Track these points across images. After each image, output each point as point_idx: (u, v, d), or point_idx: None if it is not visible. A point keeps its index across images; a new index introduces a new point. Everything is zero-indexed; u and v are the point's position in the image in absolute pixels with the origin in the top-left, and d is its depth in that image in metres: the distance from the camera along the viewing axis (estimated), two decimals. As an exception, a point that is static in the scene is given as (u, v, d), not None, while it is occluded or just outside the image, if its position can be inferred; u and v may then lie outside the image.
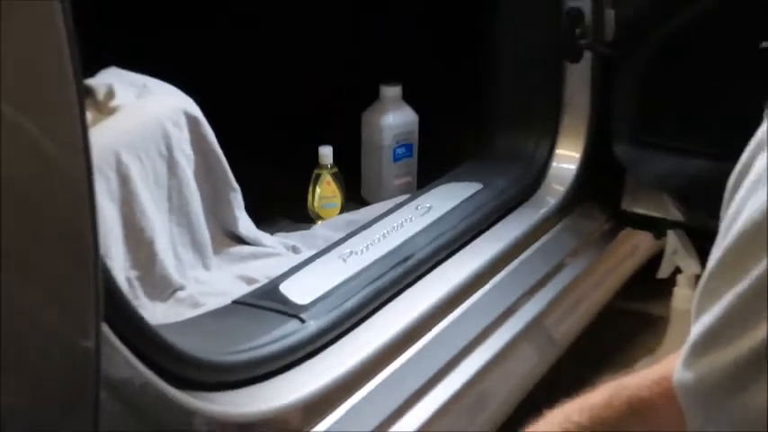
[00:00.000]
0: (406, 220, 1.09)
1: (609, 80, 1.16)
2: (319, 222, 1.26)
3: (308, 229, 1.22)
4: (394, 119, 1.30)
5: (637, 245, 1.31)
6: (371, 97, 1.32)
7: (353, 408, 0.85)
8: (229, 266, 1.12)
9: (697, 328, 0.45)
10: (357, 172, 1.35)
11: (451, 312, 1.00)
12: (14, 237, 0.47)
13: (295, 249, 1.15)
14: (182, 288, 1.06)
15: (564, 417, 0.62)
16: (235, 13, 1.53)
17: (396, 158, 1.32)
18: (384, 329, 0.92)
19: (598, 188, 1.25)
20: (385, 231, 1.07)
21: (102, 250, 0.58)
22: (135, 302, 0.85)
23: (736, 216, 0.46)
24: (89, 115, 0.77)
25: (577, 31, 1.12)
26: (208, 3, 1.51)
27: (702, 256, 1.30)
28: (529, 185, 1.19)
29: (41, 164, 0.49)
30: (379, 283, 0.94)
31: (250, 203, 1.15)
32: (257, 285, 0.99)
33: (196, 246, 1.11)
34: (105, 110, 1.06)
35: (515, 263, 1.10)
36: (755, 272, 0.39)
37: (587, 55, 1.15)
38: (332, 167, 1.26)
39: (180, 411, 0.68)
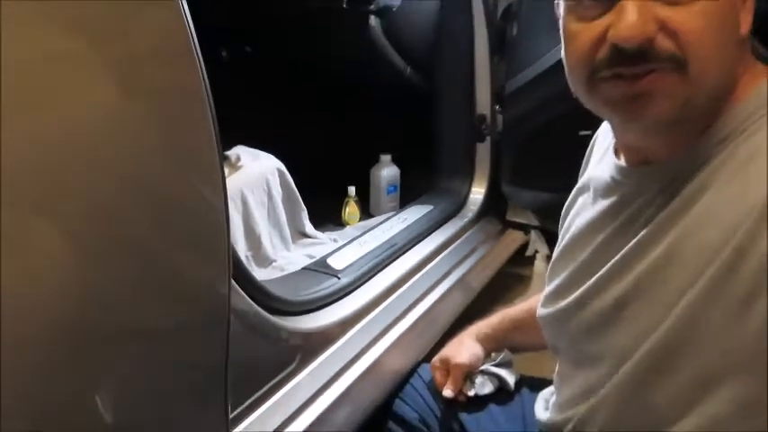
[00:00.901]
0: (393, 225, 1.46)
1: (499, 152, 1.58)
2: (348, 226, 1.71)
3: (342, 229, 1.68)
4: (387, 173, 1.81)
5: (515, 238, 1.72)
6: (375, 161, 1.84)
7: (365, 326, 1.12)
8: (300, 249, 1.54)
9: (548, 288, 0.68)
10: (367, 200, 1.81)
11: (417, 274, 1.33)
12: (187, 234, 0.62)
13: (335, 240, 1.56)
14: (275, 261, 1.47)
15: (477, 329, 0.95)
16: (303, 115, 1.99)
17: (388, 193, 1.81)
18: (381, 283, 1.21)
19: (494, 208, 1.66)
20: (382, 231, 1.42)
21: (232, 241, 0.69)
22: (249, 268, 0.99)
23: (567, 228, 0.68)
24: (226, 171, 0.82)
25: (482, 125, 1.58)
26: (287, 105, 1.97)
27: (549, 244, 1.63)
28: (458, 207, 1.61)
29: (203, 197, 0.64)
30: (378, 258, 1.25)
31: (311, 216, 1.60)
32: (315, 259, 1.29)
33: (283, 238, 1.54)
34: (235, 167, 1.48)
35: (450, 248, 1.49)
36: (580, 258, 0.63)
37: (488, 139, 1.60)
38: (354, 197, 1.73)
39: (273, 327, 0.87)
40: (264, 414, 0.87)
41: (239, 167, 1.49)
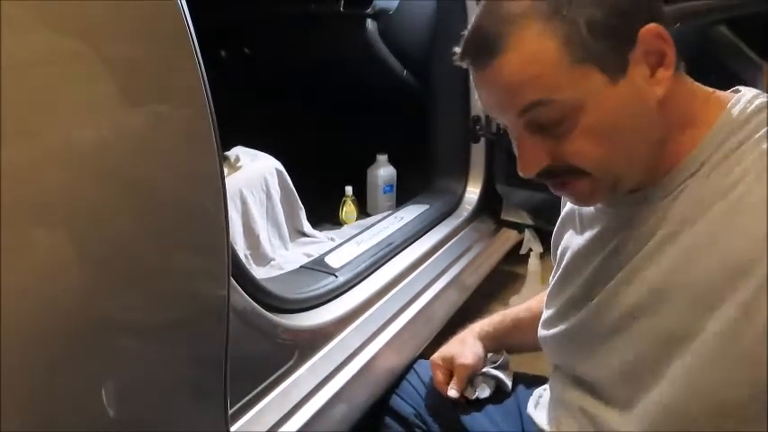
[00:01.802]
0: (389, 224, 1.46)
1: (493, 152, 1.61)
2: (345, 225, 1.73)
3: (340, 228, 1.70)
4: (384, 172, 1.83)
5: (509, 236, 1.74)
6: (372, 161, 1.85)
7: (362, 323, 1.12)
8: (298, 248, 1.56)
9: (546, 312, 0.71)
10: (365, 199, 1.84)
11: (413, 272, 1.34)
12: (187, 233, 0.63)
13: (333, 239, 1.59)
14: (273, 259, 1.48)
15: (479, 327, 0.94)
16: (301, 116, 2.02)
17: (384, 192, 1.83)
18: (378, 281, 1.22)
19: (489, 207, 1.67)
20: (379, 230, 1.43)
21: (231, 239, 0.69)
22: (248, 267, 1.04)
23: (561, 257, 0.70)
24: (225, 170, 0.87)
25: (477, 126, 1.59)
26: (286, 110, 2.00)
27: (543, 242, 1.67)
28: (453, 206, 1.62)
29: (203, 197, 0.65)
30: (375, 257, 1.26)
31: (310, 215, 1.62)
32: (313, 258, 1.30)
33: (281, 237, 1.55)
34: (234, 167, 1.49)
35: (446, 246, 1.50)
36: (576, 284, 0.65)
37: (483, 140, 1.62)
38: (352, 197, 1.76)
39: (272, 325, 0.88)
40: (263, 410, 0.88)
41: (238, 167, 1.50)
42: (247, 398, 0.84)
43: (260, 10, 1.71)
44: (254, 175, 1.52)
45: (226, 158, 1.50)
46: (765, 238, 0.48)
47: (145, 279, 0.60)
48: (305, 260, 1.33)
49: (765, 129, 0.53)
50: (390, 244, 1.35)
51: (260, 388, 0.87)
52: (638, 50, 0.54)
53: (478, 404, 0.91)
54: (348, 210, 1.76)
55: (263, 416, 0.87)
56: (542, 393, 0.80)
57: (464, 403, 0.91)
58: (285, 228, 1.57)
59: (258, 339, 0.86)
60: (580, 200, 0.60)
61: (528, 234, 1.70)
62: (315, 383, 0.98)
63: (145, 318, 0.61)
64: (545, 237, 1.57)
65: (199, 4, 0.75)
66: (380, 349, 1.13)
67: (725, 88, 0.61)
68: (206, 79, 0.64)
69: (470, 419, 0.90)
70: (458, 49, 0.58)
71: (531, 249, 1.70)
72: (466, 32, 0.58)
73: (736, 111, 0.56)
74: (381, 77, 1.71)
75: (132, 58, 0.56)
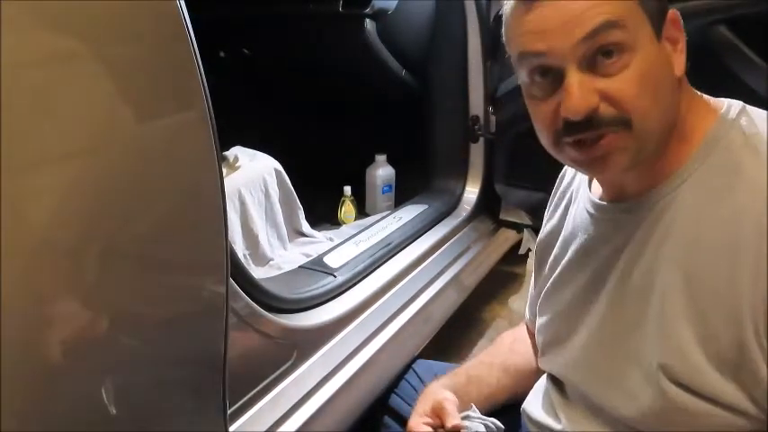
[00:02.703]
0: (388, 224, 1.47)
1: (492, 152, 1.61)
2: (344, 225, 1.74)
3: (338, 228, 1.71)
4: (382, 172, 1.84)
5: (508, 236, 1.74)
6: (370, 161, 1.86)
7: (360, 323, 1.13)
8: (297, 248, 1.57)
9: (540, 321, 0.74)
10: (363, 199, 1.84)
11: (412, 272, 1.35)
12: (186, 233, 0.64)
13: (331, 239, 1.60)
14: (272, 259, 1.49)
15: (439, 382, 0.84)
16: (300, 116, 2.04)
17: (383, 192, 1.84)
18: (376, 281, 1.23)
19: (488, 207, 1.68)
20: (377, 230, 1.45)
21: (230, 240, 0.69)
22: (247, 267, 1.04)
23: (553, 265, 0.71)
24: (224, 171, 0.96)
25: (476, 126, 1.60)
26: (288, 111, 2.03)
27: None
28: (452, 206, 1.63)
29: (202, 196, 0.65)
30: (374, 257, 1.27)
31: (308, 215, 1.63)
32: (312, 258, 1.31)
33: (280, 237, 1.56)
34: (233, 167, 1.49)
35: (444, 247, 1.50)
36: (569, 296, 0.68)
37: (482, 140, 1.62)
38: (350, 197, 1.76)
39: (270, 325, 0.89)
40: (262, 409, 0.88)
41: (237, 167, 1.50)
42: (246, 398, 0.85)
43: (259, 10, 1.72)
44: (253, 175, 1.52)
45: (224, 158, 1.50)
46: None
47: (143, 279, 0.60)
48: (304, 260, 1.33)
49: (747, 141, 0.57)
50: (389, 244, 1.35)
51: (259, 388, 0.87)
52: (665, 27, 0.58)
53: None
54: (347, 210, 1.77)
55: (261, 416, 0.87)
56: (541, 389, 0.79)
57: None
58: (284, 228, 1.58)
59: (257, 339, 0.86)
60: (608, 159, 0.58)
61: (527, 234, 1.70)
62: (314, 383, 0.98)
63: (143, 317, 0.61)
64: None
65: (198, 4, 0.75)
66: (379, 349, 1.13)
67: (725, 89, 0.63)
68: (205, 79, 0.64)
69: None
70: None
71: (529, 249, 1.70)
72: None
73: (723, 125, 0.59)
74: (380, 77, 1.72)
75: (131, 59, 0.57)
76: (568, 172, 0.78)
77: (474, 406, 0.79)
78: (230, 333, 0.71)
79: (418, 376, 1.02)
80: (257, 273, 1.34)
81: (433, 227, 1.54)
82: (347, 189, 1.77)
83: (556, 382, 0.74)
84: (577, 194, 0.73)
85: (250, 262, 1.46)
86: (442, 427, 0.77)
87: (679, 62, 0.59)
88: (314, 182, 1.72)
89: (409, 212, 1.56)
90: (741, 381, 0.55)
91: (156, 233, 0.61)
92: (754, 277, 0.53)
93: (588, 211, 0.68)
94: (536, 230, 1.54)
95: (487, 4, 1.57)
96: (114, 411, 0.58)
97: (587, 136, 0.57)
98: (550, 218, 0.78)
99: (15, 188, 0.47)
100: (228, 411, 0.75)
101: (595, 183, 0.70)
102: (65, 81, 0.51)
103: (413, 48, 1.69)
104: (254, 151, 1.58)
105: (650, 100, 0.56)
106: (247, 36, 1.86)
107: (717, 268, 0.55)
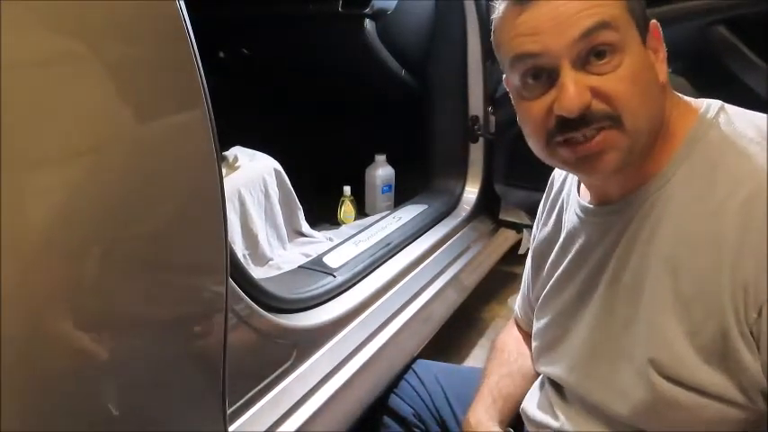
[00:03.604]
0: (388, 224, 1.49)
1: (491, 152, 1.62)
2: (343, 225, 1.75)
3: (338, 228, 1.72)
4: (382, 172, 1.84)
5: (507, 236, 1.76)
6: (370, 161, 1.86)
7: (360, 323, 1.14)
8: (297, 248, 1.57)
9: (538, 325, 0.75)
10: (363, 199, 1.85)
11: (411, 272, 1.35)
12: (186, 233, 0.64)
13: (331, 239, 1.60)
14: (272, 259, 1.49)
15: (507, 348, 0.88)
16: (300, 116, 2.04)
17: (383, 192, 1.84)
18: (376, 281, 1.23)
19: (487, 207, 1.69)
20: (377, 230, 1.46)
21: (230, 240, 0.70)
22: (247, 267, 1.03)
23: (551, 269, 0.73)
24: (224, 170, 1.00)
25: (475, 126, 1.61)
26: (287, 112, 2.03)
27: None
28: (452, 206, 1.64)
29: (201, 197, 0.65)
30: (373, 257, 1.28)
31: (308, 215, 1.63)
32: (311, 258, 1.31)
33: (280, 237, 1.56)
34: (232, 168, 1.50)
35: (444, 246, 1.51)
36: (566, 298, 0.70)
37: (481, 140, 1.64)
38: (350, 197, 1.77)
39: (268, 324, 0.88)
40: (262, 409, 0.88)
41: (237, 167, 1.50)
42: (246, 398, 0.85)
43: (259, 10, 1.72)
44: (253, 175, 1.52)
45: (224, 158, 1.50)
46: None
47: (142, 279, 0.60)
48: (303, 260, 1.34)
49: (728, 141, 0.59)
50: (389, 244, 1.36)
51: (258, 388, 0.87)
52: (648, 36, 0.60)
53: None
54: (346, 210, 1.77)
55: (261, 416, 0.87)
56: (539, 385, 0.80)
57: None
58: (283, 228, 1.58)
59: (256, 339, 0.86)
60: (599, 157, 0.59)
61: (526, 234, 1.71)
62: (313, 383, 0.98)
63: (143, 317, 0.61)
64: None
65: (197, 4, 0.75)
66: (379, 349, 1.13)
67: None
68: (204, 79, 0.64)
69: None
70: None
71: (529, 249, 1.68)
72: None
73: (703, 125, 0.61)
74: (380, 77, 1.72)
75: (131, 59, 0.57)
76: (557, 178, 0.79)
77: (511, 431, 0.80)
78: (230, 333, 0.71)
79: (418, 376, 1.02)
80: (257, 273, 1.34)
81: (432, 227, 1.54)
82: (347, 189, 1.77)
83: (553, 381, 0.75)
84: (568, 200, 0.74)
85: (249, 262, 1.46)
86: None
87: (662, 70, 0.61)
88: (313, 182, 1.74)
89: (409, 212, 1.57)
90: (728, 370, 0.56)
91: (155, 233, 0.61)
92: (734, 267, 0.54)
93: (578, 216, 0.70)
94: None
95: (487, 5, 1.58)
96: (114, 411, 0.58)
97: (580, 134, 0.58)
98: (544, 224, 0.79)
99: (15, 188, 0.47)
100: (228, 411, 0.75)
101: (584, 187, 0.71)
102: (64, 81, 0.51)
103: (412, 48, 1.69)
104: (254, 151, 1.58)
105: (640, 99, 0.57)
106: (247, 36, 1.86)
107: (700, 261, 0.56)
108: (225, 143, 1.08)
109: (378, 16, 1.61)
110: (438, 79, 1.66)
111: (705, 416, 0.58)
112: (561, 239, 0.73)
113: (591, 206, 0.68)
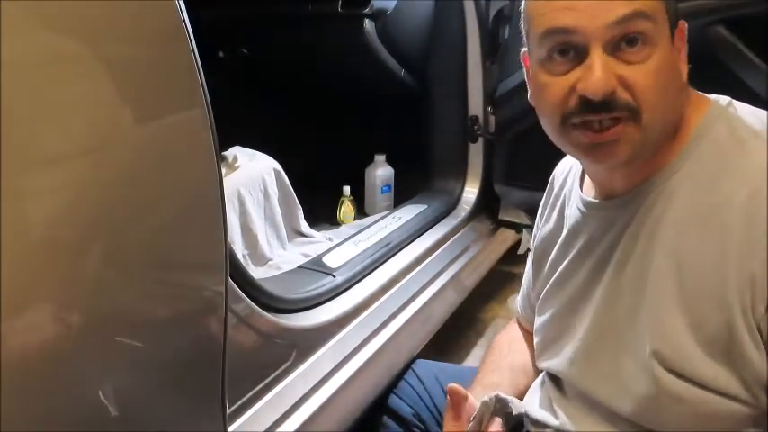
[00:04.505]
0: (387, 224, 1.49)
1: (491, 152, 1.62)
2: (343, 225, 1.75)
3: (337, 228, 1.72)
4: (381, 172, 1.85)
5: (507, 236, 1.76)
6: (369, 161, 1.87)
7: (360, 323, 1.14)
8: (296, 248, 1.57)
9: (539, 320, 0.75)
10: (362, 199, 1.85)
11: (411, 272, 1.36)
12: (185, 233, 0.64)
13: (330, 239, 1.60)
14: (271, 259, 1.49)
15: (500, 346, 0.89)
16: (299, 116, 2.05)
17: (382, 192, 1.85)
18: (376, 281, 1.24)
19: (487, 207, 1.70)
20: (376, 230, 1.46)
21: (229, 240, 0.70)
22: (246, 267, 1.06)
23: (553, 266, 0.73)
24: (223, 170, 0.97)
25: (475, 126, 1.61)
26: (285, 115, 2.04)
27: None
28: (451, 206, 1.64)
29: (201, 196, 0.66)
30: (373, 257, 1.28)
31: (307, 215, 1.64)
32: (311, 258, 1.32)
33: (279, 237, 1.57)
34: (232, 167, 1.51)
35: (443, 246, 1.51)
36: (567, 294, 0.70)
37: (481, 140, 1.64)
38: (350, 197, 1.78)
39: (268, 324, 0.88)
40: (261, 409, 0.88)
41: (236, 167, 1.51)
42: (245, 398, 0.85)
43: (258, 10, 1.72)
44: (253, 175, 1.52)
45: (224, 158, 1.50)
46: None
47: (142, 279, 0.61)
48: (303, 260, 1.34)
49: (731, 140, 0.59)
50: (388, 244, 1.36)
51: (258, 388, 0.87)
52: (675, 35, 0.60)
53: None
54: (346, 210, 1.77)
55: (260, 416, 0.87)
56: (540, 385, 0.80)
57: None
58: (283, 228, 1.58)
59: (256, 339, 0.86)
60: (611, 147, 0.59)
61: (526, 234, 1.71)
62: (313, 383, 0.98)
63: (142, 317, 0.61)
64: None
65: (197, 4, 0.75)
66: (378, 349, 1.13)
67: (724, 89, 0.64)
68: (204, 79, 0.64)
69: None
70: None
71: (528, 249, 1.62)
72: None
73: (710, 119, 0.61)
74: (379, 77, 1.72)
75: (130, 59, 0.57)
76: (558, 176, 0.79)
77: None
78: (229, 333, 0.71)
79: (417, 376, 1.02)
80: (256, 273, 1.34)
81: (432, 227, 1.54)
82: (346, 189, 1.77)
83: (554, 378, 0.75)
84: (570, 197, 0.74)
85: (249, 262, 1.46)
86: None
87: (684, 70, 0.61)
88: (313, 182, 1.73)
89: (408, 212, 1.57)
90: (731, 364, 0.56)
91: (154, 233, 0.61)
92: (740, 259, 0.54)
93: (581, 211, 0.70)
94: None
95: (486, 5, 1.58)
96: (113, 411, 0.58)
97: (599, 117, 0.57)
98: (546, 221, 0.79)
99: (14, 188, 0.47)
100: (228, 411, 0.75)
101: (587, 183, 0.71)
102: (63, 81, 0.51)
103: (412, 48, 1.70)
104: (254, 151, 1.58)
105: (662, 96, 0.57)
106: (247, 36, 1.87)
107: (705, 254, 0.56)
108: (224, 143, 1.07)
109: (377, 16, 1.62)
110: (437, 79, 1.67)
111: (707, 410, 0.58)
112: (563, 236, 0.73)
113: (595, 201, 0.68)
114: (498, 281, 1.85)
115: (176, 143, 0.62)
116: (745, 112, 0.61)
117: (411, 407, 0.98)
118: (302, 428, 0.93)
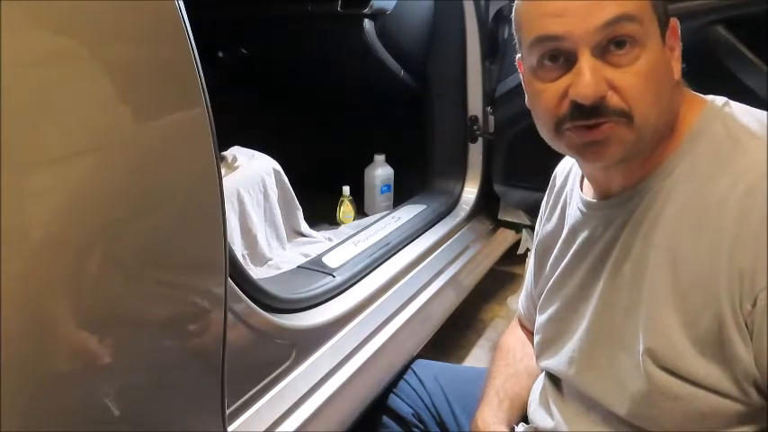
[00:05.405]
0: (387, 224, 1.49)
1: (490, 152, 1.63)
2: (343, 225, 1.74)
3: (337, 228, 1.71)
4: (381, 172, 1.84)
5: (506, 236, 1.77)
6: (369, 161, 1.86)
7: (359, 323, 1.14)
8: (296, 248, 1.56)
9: (540, 319, 0.76)
10: (362, 199, 1.85)
11: (410, 272, 1.36)
12: (185, 233, 0.64)
13: (330, 239, 1.60)
14: (271, 259, 1.49)
15: (512, 348, 0.89)
16: (299, 116, 2.04)
17: (382, 192, 1.84)
18: (375, 281, 1.24)
19: (486, 207, 1.70)
20: (376, 230, 1.46)
21: (229, 240, 0.70)
22: (245, 267, 0.99)
23: (554, 264, 0.74)
24: (223, 171, 0.97)
25: (474, 126, 1.62)
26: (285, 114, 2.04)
27: None
28: (450, 206, 1.64)
29: (200, 197, 0.66)
30: (373, 257, 1.28)
31: (307, 215, 1.63)
32: (310, 258, 1.32)
33: (279, 237, 1.56)
34: (231, 167, 1.50)
35: (443, 247, 1.52)
36: (568, 292, 0.70)
37: (480, 140, 1.64)
38: (349, 197, 1.77)
39: (267, 324, 0.88)
40: (261, 409, 0.88)
41: (236, 167, 1.50)
42: (245, 398, 0.85)
43: (258, 10, 1.72)
44: (252, 175, 1.52)
45: (223, 158, 1.51)
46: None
47: (142, 278, 0.61)
48: (302, 260, 1.34)
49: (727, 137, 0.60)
50: (388, 244, 1.36)
51: (257, 388, 0.87)
52: (667, 33, 0.60)
53: None
54: (345, 210, 1.77)
55: (260, 415, 0.87)
56: (539, 389, 0.80)
57: None
58: (282, 228, 1.57)
59: (255, 339, 0.86)
60: (604, 146, 0.59)
61: (525, 234, 1.71)
62: (312, 383, 0.98)
63: (142, 317, 0.61)
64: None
65: (196, 4, 0.75)
66: (378, 349, 1.13)
67: (723, 89, 0.64)
68: (203, 79, 0.64)
69: (468, 419, 0.88)
70: None
71: (528, 249, 1.69)
72: None
73: (707, 119, 0.61)
74: (379, 77, 1.72)
75: (130, 59, 0.57)
76: (559, 175, 0.80)
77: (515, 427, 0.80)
78: (229, 333, 0.71)
79: (417, 376, 1.02)
80: (256, 273, 1.34)
81: (431, 227, 1.54)
82: (346, 189, 1.77)
83: (553, 379, 0.75)
84: (571, 196, 0.75)
85: (249, 262, 1.45)
86: None
87: (677, 68, 0.62)
88: (313, 182, 1.73)
89: (408, 212, 1.57)
90: (722, 361, 0.57)
91: (154, 233, 0.61)
92: (731, 253, 0.54)
93: (581, 210, 0.70)
94: (532, 229, 1.58)
95: (486, 5, 1.58)
96: (113, 411, 0.58)
97: (590, 123, 0.58)
98: (547, 220, 0.79)
99: (14, 188, 0.47)
100: (227, 411, 0.75)
101: (586, 183, 0.71)
102: (63, 81, 0.51)
103: (412, 48, 1.70)
104: (253, 151, 1.57)
105: (653, 96, 0.58)
106: (247, 36, 1.87)
107: (699, 251, 0.57)
108: (224, 143, 1.06)
109: (377, 16, 1.62)
110: (437, 79, 1.67)
111: (700, 407, 0.58)
112: (564, 235, 0.74)
113: (593, 200, 0.69)
114: (498, 281, 1.87)
115: (176, 143, 0.62)
116: (742, 111, 0.62)
117: (411, 407, 0.99)
118: (302, 428, 0.93)
